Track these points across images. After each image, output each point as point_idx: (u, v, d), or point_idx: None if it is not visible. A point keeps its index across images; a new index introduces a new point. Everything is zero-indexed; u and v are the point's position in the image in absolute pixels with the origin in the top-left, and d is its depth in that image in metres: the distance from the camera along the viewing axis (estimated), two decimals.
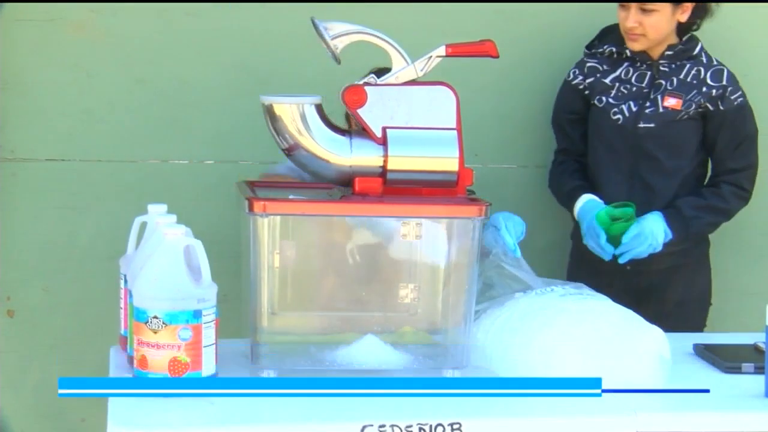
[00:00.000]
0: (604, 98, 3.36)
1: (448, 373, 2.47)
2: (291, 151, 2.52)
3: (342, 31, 2.54)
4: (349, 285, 2.53)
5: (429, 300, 2.53)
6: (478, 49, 2.61)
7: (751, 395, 2.45)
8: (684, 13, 3.28)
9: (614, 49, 3.36)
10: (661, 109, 3.30)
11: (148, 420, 2.21)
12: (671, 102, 3.29)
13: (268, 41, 3.51)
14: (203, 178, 3.53)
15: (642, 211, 3.25)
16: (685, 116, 3.29)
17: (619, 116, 3.33)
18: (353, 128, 2.60)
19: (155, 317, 2.28)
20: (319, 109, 2.51)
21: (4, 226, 3.46)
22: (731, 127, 3.31)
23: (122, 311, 2.57)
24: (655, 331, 2.50)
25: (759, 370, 2.53)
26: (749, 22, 3.69)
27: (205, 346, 2.31)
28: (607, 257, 3.20)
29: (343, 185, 2.54)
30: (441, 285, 2.52)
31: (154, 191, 3.40)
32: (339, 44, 2.54)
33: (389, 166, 2.49)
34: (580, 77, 3.41)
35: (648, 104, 3.31)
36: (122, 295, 2.56)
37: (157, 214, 2.52)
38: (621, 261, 3.17)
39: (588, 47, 3.43)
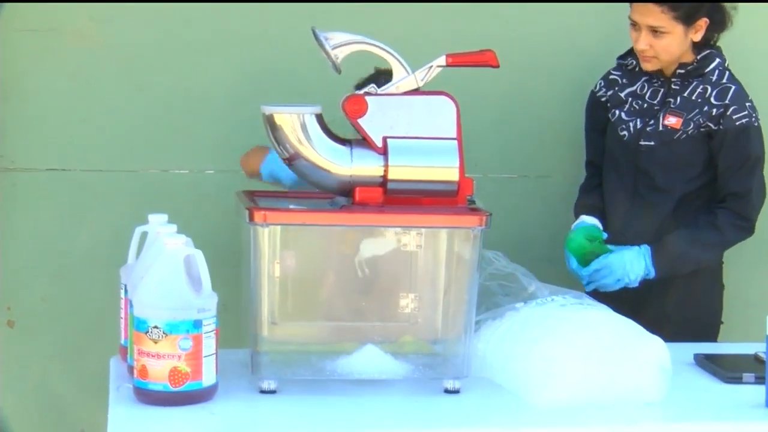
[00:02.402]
0: (617, 112, 3.34)
1: (449, 384, 2.47)
2: (292, 160, 2.52)
3: (342, 41, 2.54)
4: (349, 295, 2.53)
5: (429, 310, 2.53)
6: (479, 58, 2.61)
7: (752, 405, 2.45)
8: (698, 33, 3.19)
9: (635, 62, 3.32)
10: (661, 128, 3.25)
11: (148, 430, 2.21)
12: (671, 121, 3.23)
13: (269, 50, 3.51)
14: (204, 187, 3.53)
15: (641, 232, 3.24)
16: (684, 135, 3.23)
17: (624, 132, 3.30)
18: None
19: (155, 327, 2.28)
20: (320, 118, 2.52)
21: (4, 235, 3.46)
22: (732, 147, 3.21)
23: (122, 321, 2.56)
24: (656, 341, 2.50)
25: (760, 380, 2.52)
26: (749, 24, 3.66)
27: (205, 356, 2.31)
28: (581, 279, 3.21)
29: (344, 195, 2.54)
30: (441, 295, 2.52)
31: (154, 201, 3.39)
32: (340, 54, 2.54)
33: (390, 176, 2.49)
34: (603, 89, 3.39)
35: (651, 122, 3.27)
36: (122, 305, 2.56)
37: (158, 223, 2.52)
38: (587, 289, 3.14)
39: (620, 57, 3.38)
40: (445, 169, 2.51)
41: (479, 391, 2.48)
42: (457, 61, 2.59)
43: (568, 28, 3.65)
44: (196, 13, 3.47)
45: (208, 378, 2.32)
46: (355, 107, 2.51)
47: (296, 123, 2.49)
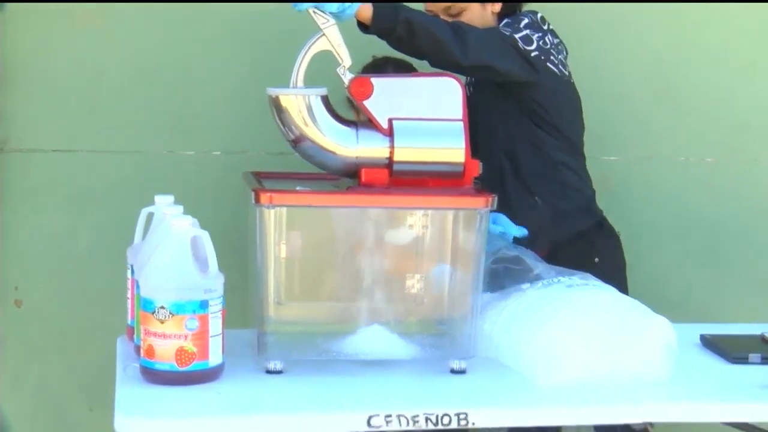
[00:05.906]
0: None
1: (455, 364, 2.47)
2: (297, 142, 2.53)
3: None
4: (355, 275, 2.53)
5: (435, 290, 2.53)
6: None
7: (758, 386, 2.45)
8: (496, 5, 3.11)
9: None
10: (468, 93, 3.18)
11: (155, 409, 2.22)
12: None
13: (276, 33, 3.50)
14: (210, 169, 3.54)
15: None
16: (471, 88, 3.17)
17: None
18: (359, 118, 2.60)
19: (162, 307, 2.28)
20: (325, 100, 2.52)
21: (11, 216, 3.47)
22: None
23: (129, 301, 2.57)
24: (662, 321, 2.50)
25: (766, 361, 2.53)
26: None
27: (211, 336, 2.32)
28: None
29: (350, 176, 2.54)
30: (448, 275, 2.52)
31: (161, 182, 3.40)
32: None
33: (395, 158, 2.50)
34: None
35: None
36: (129, 286, 2.57)
37: (164, 204, 2.52)
38: None
39: None
40: (451, 150, 2.52)
41: (485, 372, 2.48)
42: None
43: (564, 13, 3.64)
44: None
45: (214, 358, 2.33)
46: (361, 89, 2.51)
47: (302, 105, 2.50)
